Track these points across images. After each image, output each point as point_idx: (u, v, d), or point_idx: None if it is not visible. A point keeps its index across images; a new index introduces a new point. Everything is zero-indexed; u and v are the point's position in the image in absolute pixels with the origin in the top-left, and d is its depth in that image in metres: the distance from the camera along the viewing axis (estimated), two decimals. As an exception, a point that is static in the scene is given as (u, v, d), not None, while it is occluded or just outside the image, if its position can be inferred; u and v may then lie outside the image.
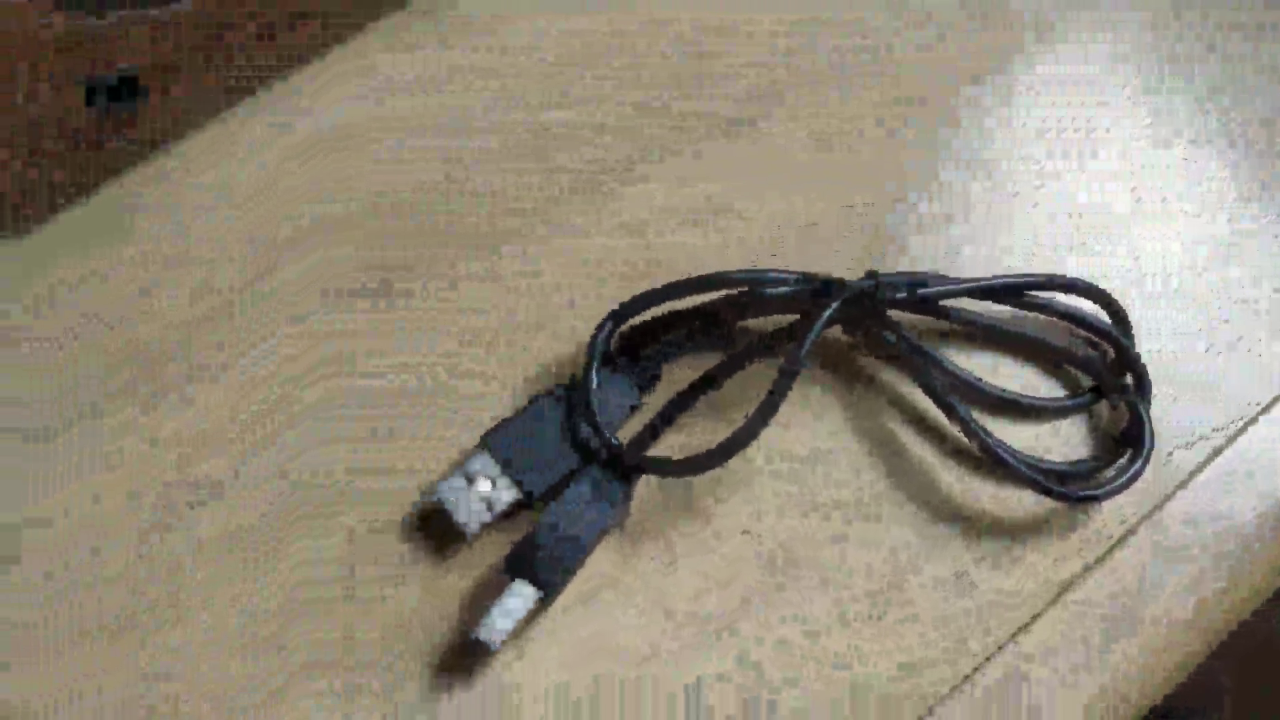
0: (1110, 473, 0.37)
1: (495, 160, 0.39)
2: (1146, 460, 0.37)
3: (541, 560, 0.34)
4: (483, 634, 0.33)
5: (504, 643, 0.34)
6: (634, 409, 0.36)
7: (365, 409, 0.36)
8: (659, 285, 0.36)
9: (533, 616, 0.34)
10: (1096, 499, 0.36)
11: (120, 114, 0.35)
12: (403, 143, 0.39)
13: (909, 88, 0.41)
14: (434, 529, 0.35)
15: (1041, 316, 0.39)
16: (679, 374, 0.37)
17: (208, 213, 0.38)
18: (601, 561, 0.35)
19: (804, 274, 0.36)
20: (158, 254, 0.37)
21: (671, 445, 0.37)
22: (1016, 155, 0.41)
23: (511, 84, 0.40)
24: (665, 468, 0.35)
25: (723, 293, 0.37)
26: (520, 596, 0.33)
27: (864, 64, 0.41)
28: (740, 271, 0.36)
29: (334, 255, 0.38)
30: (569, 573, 0.34)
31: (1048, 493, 0.36)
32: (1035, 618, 0.36)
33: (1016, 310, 0.39)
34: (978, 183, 0.40)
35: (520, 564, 0.34)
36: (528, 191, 0.39)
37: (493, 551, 0.35)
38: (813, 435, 0.37)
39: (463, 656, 0.34)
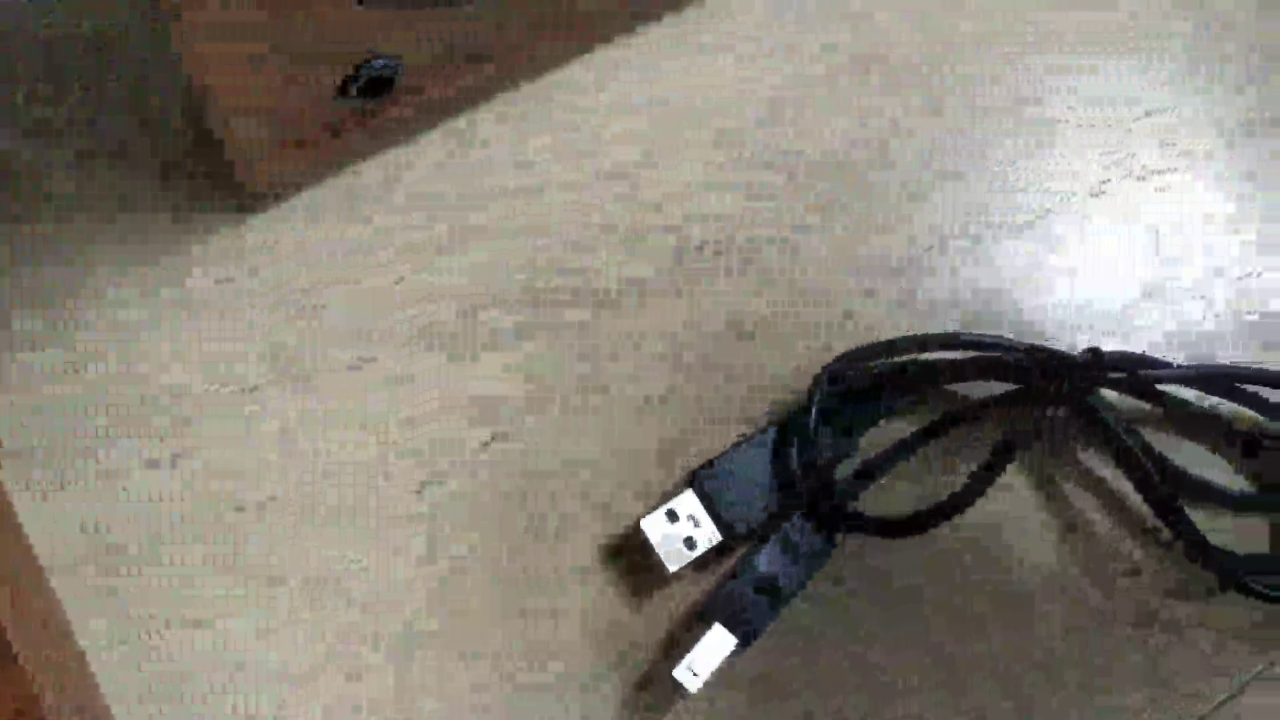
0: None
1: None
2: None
3: (742, 610, 0.33)
4: (682, 677, 0.33)
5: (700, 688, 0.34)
6: (841, 459, 0.36)
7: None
8: (884, 339, 0.36)
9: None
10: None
11: (366, 109, 0.35)
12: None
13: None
14: (635, 557, 0.35)
15: (1250, 407, 0.38)
16: (889, 430, 0.37)
17: (405, 219, 0.38)
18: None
19: (1031, 345, 0.35)
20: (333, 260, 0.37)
21: (877, 501, 0.36)
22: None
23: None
24: (870, 527, 0.34)
25: (945, 354, 0.36)
26: (719, 644, 0.33)
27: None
28: (970, 335, 0.36)
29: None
30: (768, 622, 0.34)
31: (1242, 589, 0.36)
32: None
33: (1224, 399, 0.38)
34: None
35: (720, 610, 0.33)
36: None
37: (690, 581, 0.35)
38: (999, 503, 0.37)
39: (658, 686, 0.34)
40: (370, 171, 0.38)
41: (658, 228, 0.38)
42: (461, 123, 0.38)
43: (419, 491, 0.35)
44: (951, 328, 0.37)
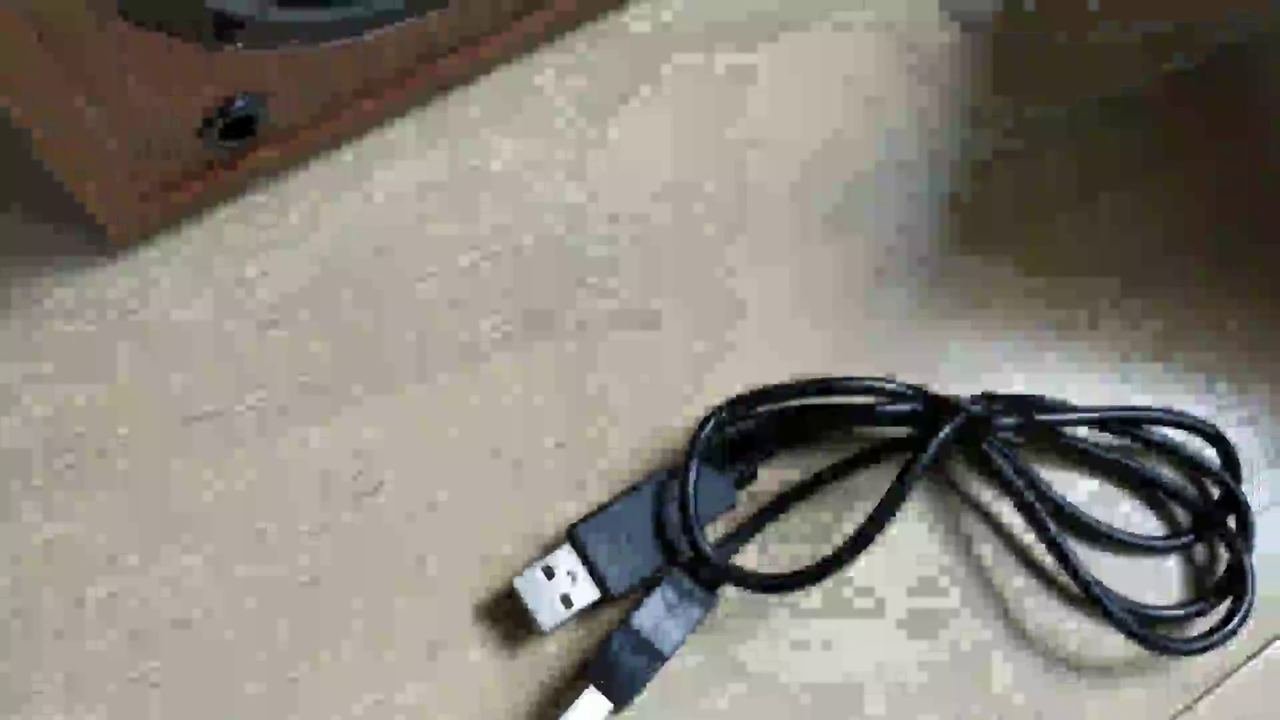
0: (1206, 622, 0.36)
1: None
2: (1246, 613, 0.35)
3: (616, 671, 0.32)
4: (552, 747, 0.32)
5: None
6: (728, 508, 0.35)
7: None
8: (771, 384, 0.35)
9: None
10: (1185, 652, 0.35)
11: (229, 150, 0.33)
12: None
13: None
14: (512, 614, 0.34)
15: (1152, 450, 0.37)
16: (776, 479, 0.36)
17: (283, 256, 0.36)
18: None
19: (921, 391, 0.34)
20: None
21: (763, 552, 0.35)
22: None
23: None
24: (751, 582, 0.34)
25: (834, 400, 0.35)
26: (594, 708, 0.32)
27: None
28: (858, 380, 0.34)
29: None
30: (644, 683, 0.33)
31: (1138, 638, 0.35)
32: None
33: (1126, 441, 0.37)
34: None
35: (595, 672, 0.32)
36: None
37: (567, 638, 0.34)
38: (901, 554, 0.36)
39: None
40: (268, 197, 0.37)
41: (577, 249, 0.37)
42: (363, 144, 0.37)
43: (311, 534, 0.34)
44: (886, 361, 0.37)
